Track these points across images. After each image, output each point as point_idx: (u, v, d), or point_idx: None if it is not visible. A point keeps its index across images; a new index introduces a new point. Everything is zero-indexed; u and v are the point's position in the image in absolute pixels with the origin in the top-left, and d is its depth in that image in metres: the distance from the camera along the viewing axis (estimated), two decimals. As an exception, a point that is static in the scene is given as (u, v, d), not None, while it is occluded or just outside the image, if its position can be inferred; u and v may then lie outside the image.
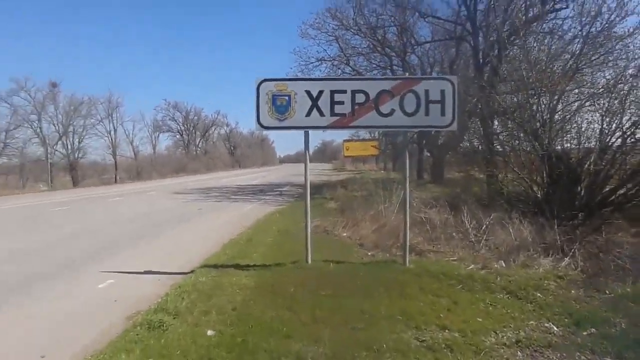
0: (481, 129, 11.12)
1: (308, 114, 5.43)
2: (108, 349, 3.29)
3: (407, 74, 15.80)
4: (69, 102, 37.98)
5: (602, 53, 9.68)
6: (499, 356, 3.11)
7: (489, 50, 14.36)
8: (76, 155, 38.20)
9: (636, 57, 9.33)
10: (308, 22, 18.92)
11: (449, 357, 3.09)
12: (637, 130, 6.98)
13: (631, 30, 9.64)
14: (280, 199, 16.74)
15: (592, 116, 7.63)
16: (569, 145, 7.82)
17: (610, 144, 7.14)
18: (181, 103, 62.83)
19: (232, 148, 73.57)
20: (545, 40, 11.02)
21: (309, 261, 5.61)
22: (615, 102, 7.19)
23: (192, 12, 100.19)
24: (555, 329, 3.54)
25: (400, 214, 6.93)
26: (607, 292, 4.38)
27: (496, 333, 3.45)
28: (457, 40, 18.00)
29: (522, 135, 8.34)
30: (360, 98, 5.41)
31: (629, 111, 7.14)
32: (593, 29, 9.49)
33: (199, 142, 65.95)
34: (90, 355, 3.25)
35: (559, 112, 8.06)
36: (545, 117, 7.79)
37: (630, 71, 8.14)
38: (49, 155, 34.66)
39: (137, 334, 3.52)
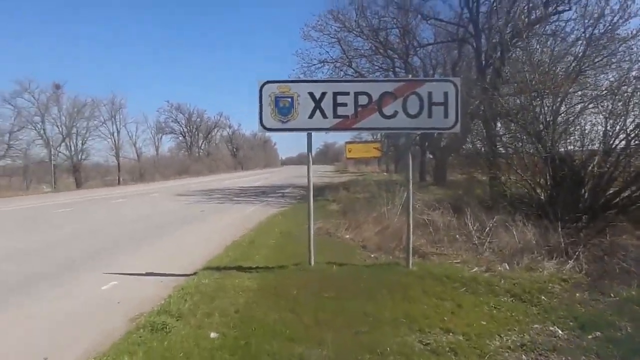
0: (484, 131, 11.07)
1: (311, 116, 5.43)
2: (111, 351, 3.29)
3: (410, 76, 15.84)
4: (72, 104, 38.33)
5: (605, 55, 9.63)
6: (504, 360, 3.09)
7: (492, 52, 14.35)
8: (79, 157, 38.45)
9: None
10: (310, 24, 18.93)
11: (453, 361, 3.07)
12: (641, 132, 6.94)
13: (634, 32, 9.58)
14: (283, 201, 16.74)
15: (595, 118, 7.60)
16: (572, 147, 7.78)
17: (614, 146, 7.10)
18: (184, 105, 63.33)
19: (234, 150, 73.78)
20: (548, 42, 10.97)
21: (312, 263, 5.60)
22: (619, 104, 7.16)
23: (193, 12, 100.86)
24: (560, 332, 3.52)
25: (403, 216, 6.93)
26: (612, 295, 4.34)
27: (501, 336, 3.43)
28: (459, 43, 17.96)
29: (525, 137, 8.31)
30: (363, 100, 5.40)
31: (632, 113, 7.10)
32: (596, 31, 9.44)
33: (202, 143, 66.22)
34: (93, 357, 3.25)
35: (562, 114, 8.02)
36: (548, 119, 7.76)
37: (634, 73, 8.11)
38: (52, 157, 34.82)
39: (140, 336, 3.52)
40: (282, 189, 23.91)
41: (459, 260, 5.86)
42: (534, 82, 8.09)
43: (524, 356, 3.14)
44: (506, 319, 3.83)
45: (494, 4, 14.59)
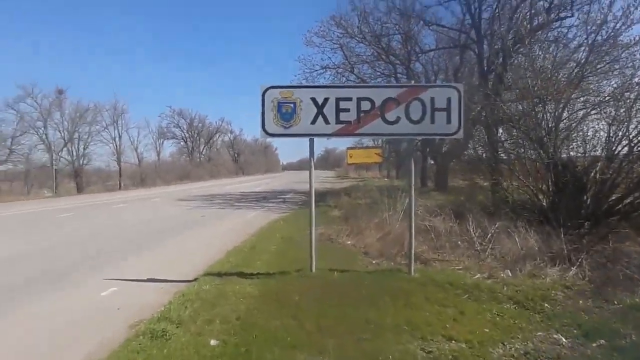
0: (486, 136, 11.08)
1: (313, 122, 5.42)
2: (110, 359, 3.26)
3: (412, 81, 15.85)
4: (74, 109, 38.29)
5: (607, 61, 9.62)
6: (507, 368, 3.05)
7: (494, 58, 14.36)
8: (81, 162, 38.38)
9: (643, 65, 9.28)
10: (313, 30, 19.06)
11: (456, 369, 3.04)
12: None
13: (637, 38, 9.56)
14: (284, 206, 16.72)
15: (598, 124, 7.61)
16: (574, 153, 7.78)
17: (616, 152, 7.09)
18: (186, 110, 63.34)
19: (235, 155, 73.89)
20: (551, 49, 10.98)
21: (314, 269, 5.57)
22: (622, 110, 7.16)
23: (194, 18, 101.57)
24: (564, 340, 3.48)
25: (405, 222, 6.90)
26: (616, 302, 4.30)
27: (504, 344, 3.39)
28: (461, 48, 18.02)
29: (527, 143, 8.30)
30: (365, 105, 5.39)
31: (635, 119, 7.09)
32: (598, 38, 9.44)
33: (203, 149, 66.28)
34: (92, 364, 3.22)
35: (565, 120, 8.02)
36: (550, 125, 7.76)
37: (636, 79, 8.07)
38: (54, 162, 34.85)
39: (139, 343, 3.48)
40: (283, 194, 23.91)
41: (461, 267, 5.83)
42: (536, 88, 8.10)
43: (527, 364, 3.11)
44: (509, 326, 3.79)
45: (496, 11, 14.63)
